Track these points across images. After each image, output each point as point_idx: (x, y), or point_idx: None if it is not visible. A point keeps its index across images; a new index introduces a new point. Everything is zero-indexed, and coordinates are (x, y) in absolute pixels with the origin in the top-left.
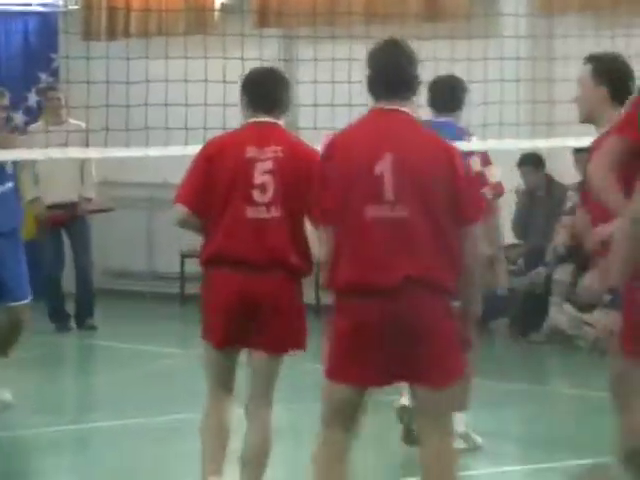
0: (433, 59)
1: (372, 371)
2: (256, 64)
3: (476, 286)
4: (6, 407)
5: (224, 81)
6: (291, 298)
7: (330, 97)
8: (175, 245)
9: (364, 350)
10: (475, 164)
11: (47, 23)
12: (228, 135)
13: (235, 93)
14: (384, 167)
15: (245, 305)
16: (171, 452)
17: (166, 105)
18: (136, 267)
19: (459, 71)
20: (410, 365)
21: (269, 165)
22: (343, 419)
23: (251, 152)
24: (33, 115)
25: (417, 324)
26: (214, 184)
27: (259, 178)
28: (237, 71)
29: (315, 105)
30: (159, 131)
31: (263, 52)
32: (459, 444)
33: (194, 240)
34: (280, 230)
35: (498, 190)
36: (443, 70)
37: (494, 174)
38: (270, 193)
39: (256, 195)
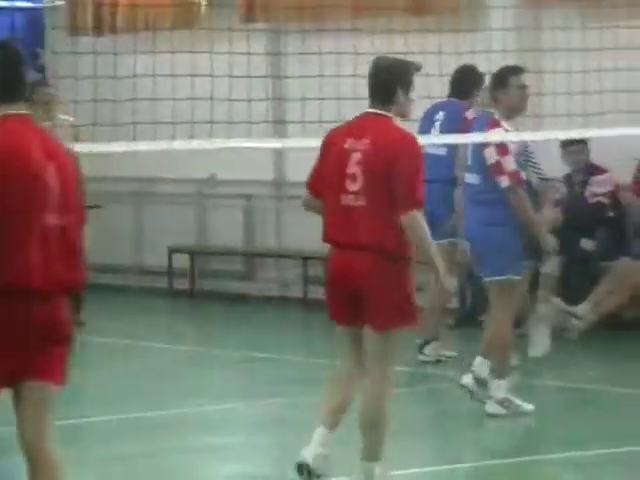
0: (421, 53)
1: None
2: (243, 58)
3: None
4: None
5: (212, 75)
6: (385, 278)
7: (318, 91)
8: (163, 240)
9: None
10: (490, 154)
11: (33, 19)
12: (346, 124)
13: (223, 87)
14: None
15: (343, 285)
16: (160, 447)
17: (153, 100)
18: (124, 262)
19: (447, 64)
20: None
21: (359, 156)
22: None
23: (349, 143)
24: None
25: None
26: (324, 171)
27: (351, 168)
28: (224, 65)
29: (303, 99)
30: (147, 126)
31: (250, 46)
32: (498, 410)
33: (182, 235)
34: (365, 217)
35: (515, 177)
36: (431, 63)
37: (510, 163)
38: (359, 183)
39: (348, 184)
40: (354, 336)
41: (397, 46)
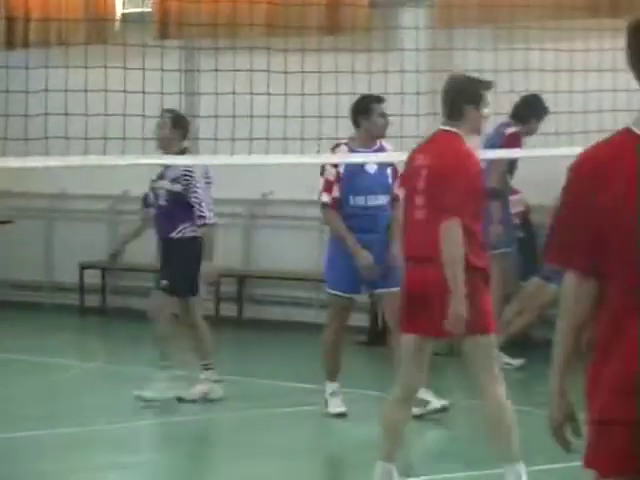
0: (334, 72)
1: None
2: (156, 74)
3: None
4: None
5: (124, 91)
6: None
7: (231, 108)
8: (74, 256)
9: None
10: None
11: None
12: (423, 141)
13: (136, 103)
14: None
15: (415, 294)
16: (70, 465)
17: (66, 115)
18: (35, 278)
19: (359, 84)
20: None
21: (425, 172)
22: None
23: (419, 160)
24: None
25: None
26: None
27: (420, 184)
28: (138, 81)
29: (216, 116)
30: (59, 141)
31: (164, 63)
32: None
33: (93, 251)
34: (426, 230)
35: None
36: (343, 83)
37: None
38: (422, 198)
39: (417, 199)
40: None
41: (310, 65)
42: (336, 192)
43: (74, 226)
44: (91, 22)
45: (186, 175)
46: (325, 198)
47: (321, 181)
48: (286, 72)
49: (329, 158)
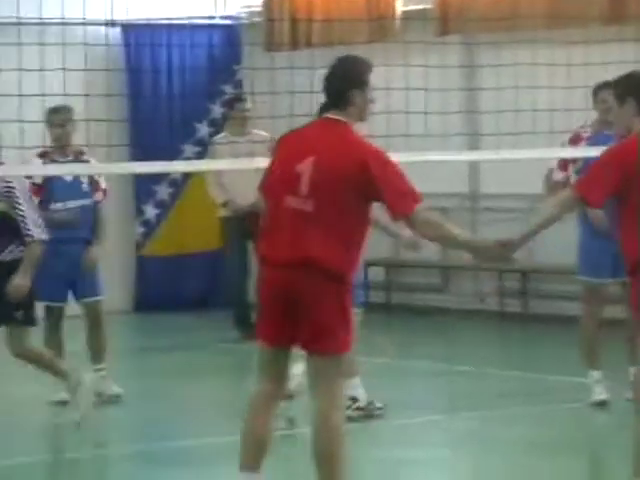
0: (620, 62)
1: (276, 332)
2: (437, 71)
3: (453, 244)
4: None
5: (407, 88)
6: None
7: (513, 103)
8: None
9: (271, 314)
10: None
11: (231, 35)
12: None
13: (418, 100)
14: (304, 167)
15: None
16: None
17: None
18: None
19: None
20: (302, 331)
21: None
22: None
23: None
24: (217, 126)
25: (304, 297)
26: None
27: None
28: (419, 78)
29: (498, 111)
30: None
31: (445, 59)
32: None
33: (376, 249)
34: None
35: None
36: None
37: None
38: None
39: None
40: None
41: (594, 56)
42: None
43: None
44: (373, 21)
45: (7, 190)
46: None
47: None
48: (569, 65)
49: None
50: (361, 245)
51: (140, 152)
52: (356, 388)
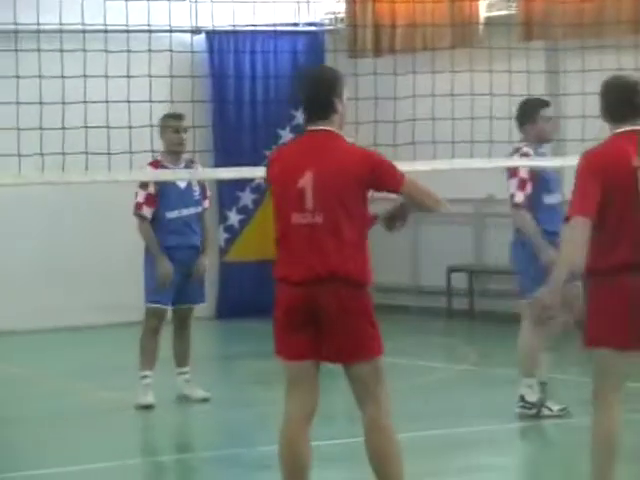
0: None
1: (300, 347)
2: (522, 77)
3: (422, 204)
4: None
5: (491, 94)
6: None
7: (594, 108)
8: (442, 260)
9: (292, 330)
10: None
11: (314, 42)
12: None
13: (503, 105)
14: (306, 182)
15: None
16: (440, 466)
17: (433, 119)
18: (401, 280)
19: None
20: (330, 345)
21: None
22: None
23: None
24: (300, 133)
25: (330, 311)
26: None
27: None
28: (504, 84)
29: (583, 117)
30: (426, 145)
31: (529, 64)
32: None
33: (460, 255)
34: None
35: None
36: None
37: None
38: None
39: None
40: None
41: None
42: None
43: (440, 230)
44: (456, 26)
45: None
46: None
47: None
48: None
49: None
50: (367, 245)
51: (224, 157)
52: (527, 387)
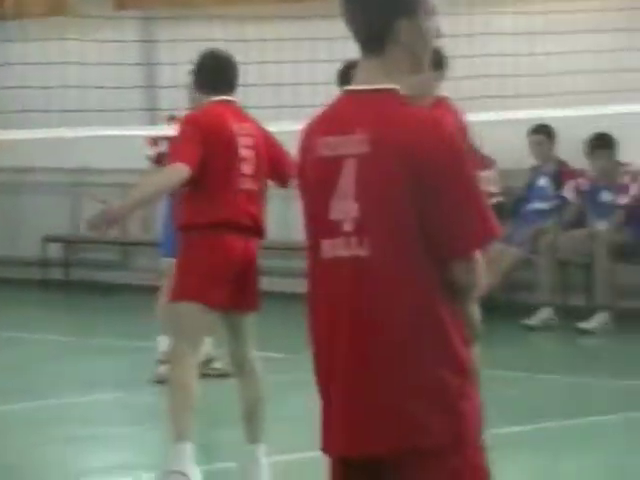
0: (294, 39)
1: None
2: (115, 46)
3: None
4: None
5: (83, 63)
6: None
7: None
8: (38, 230)
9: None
10: None
11: None
12: None
13: (93, 74)
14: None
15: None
16: (39, 438)
17: (23, 88)
18: None
19: (320, 51)
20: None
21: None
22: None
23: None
24: None
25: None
26: None
27: None
28: (95, 53)
29: (177, 86)
30: (16, 114)
31: (123, 34)
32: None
33: (56, 224)
34: None
35: None
36: (304, 50)
37: None
38: None
39: None
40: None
41: (268, 33)
42: None
43: (37, 200)
44: None
45: None
46: None
47: None
48: (244, 40)
49: None
50: None
51: None
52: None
